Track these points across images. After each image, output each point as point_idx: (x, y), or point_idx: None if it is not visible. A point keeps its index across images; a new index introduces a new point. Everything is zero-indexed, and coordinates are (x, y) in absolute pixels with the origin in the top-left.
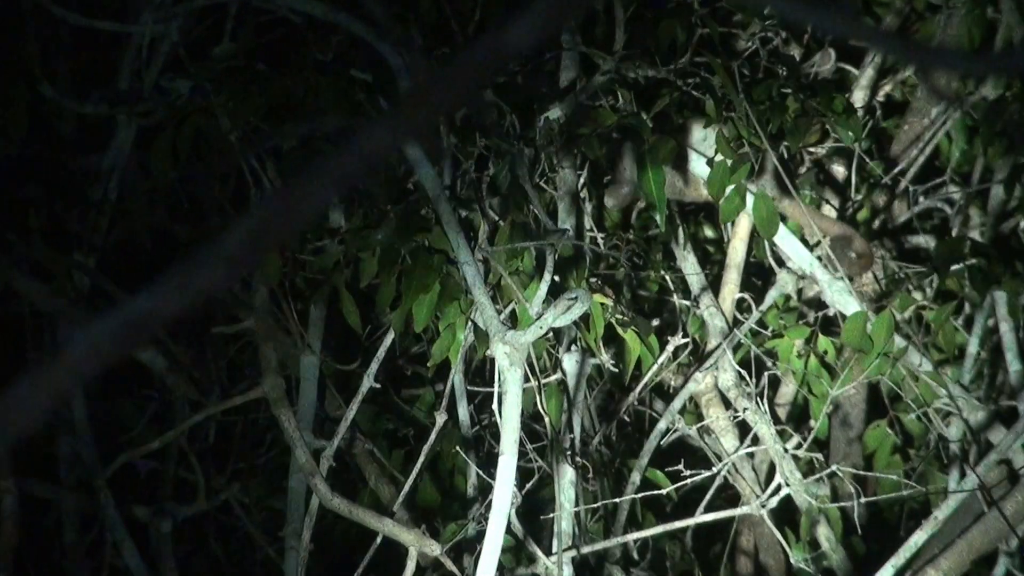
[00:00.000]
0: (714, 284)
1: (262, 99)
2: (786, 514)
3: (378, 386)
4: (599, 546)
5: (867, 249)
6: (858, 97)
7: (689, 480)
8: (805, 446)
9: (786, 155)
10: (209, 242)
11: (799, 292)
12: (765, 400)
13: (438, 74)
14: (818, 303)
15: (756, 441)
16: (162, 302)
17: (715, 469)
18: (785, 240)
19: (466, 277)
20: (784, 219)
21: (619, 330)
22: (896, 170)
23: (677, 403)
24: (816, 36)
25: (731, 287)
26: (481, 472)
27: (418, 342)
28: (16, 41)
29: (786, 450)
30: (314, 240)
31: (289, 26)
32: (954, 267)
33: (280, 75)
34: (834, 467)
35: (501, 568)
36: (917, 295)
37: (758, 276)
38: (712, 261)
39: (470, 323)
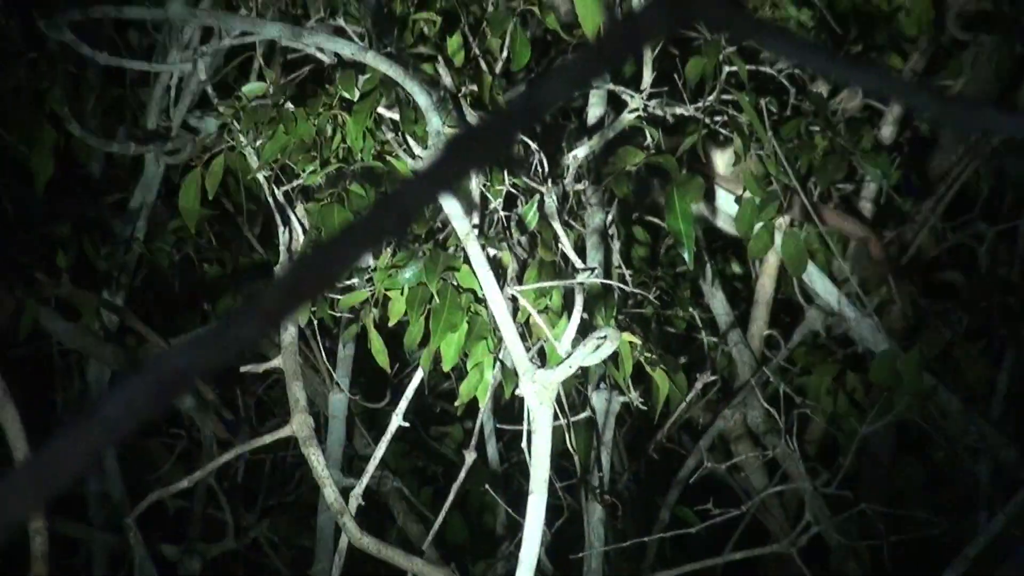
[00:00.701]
0: (742, 321)
1: (289, 139)
2: (816, 552)
3: (407, 424)
4: None
5: (882, 256)
6: (886, 133)
7: (718, 518)
8: (835, 484)
9: (815, 192)
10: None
11: (827, 329)
12: (794, 437)
13: (473, 129)
14: (846, 340)
15: (785, 479)
16: (198, 357)
17: (744, 507)
18: (813, 277)
19: (495, 315)
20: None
21: (648, 369)
22: (925, 206)
23: (706, 440)
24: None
25: (759, 324)
26: (510, 510)
27: (447, 379)
28: (44, 81)
29: (815, 488)
30: (343, 279)
31: (317, 63)
32: (983, 304)
33: (307, 113)
34: (863, 505)
35: None
36: (946, 332)
37: (786, 313)
38: (740, 298)
39: (498, 362)
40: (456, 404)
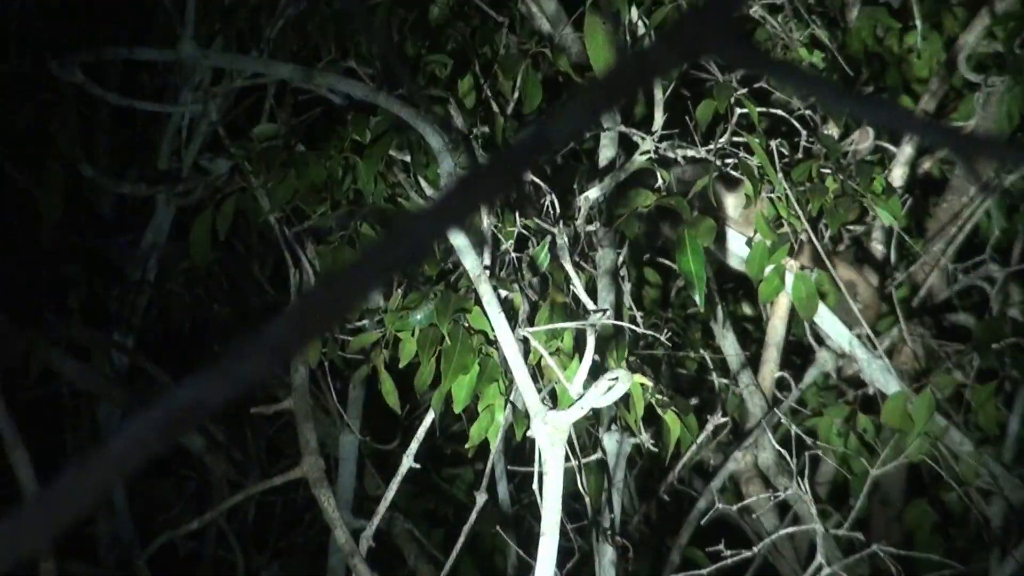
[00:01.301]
0: (753, 362)
1: (300, 182)
2: None
3: (418, 466)
4: None
5: (873, 300)
6: (897, 175)
7: (729, 560)
8: (846, 526)
9: (825, 235)
10: (253, 332)
11: (838, 370)
12: (805, 479)
13: (484, 165)
14: (857, 381)
15: (796, 520)
16: (206, 392)
17: (755, 549)
18: (824, 318)
19: (506, 357)
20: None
21: (659, 411)
22: (935, 248)
23: (717, 482)
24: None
25: (770, 365)
26: (521, 552)
27: (458, 421)
28: (54, 121)
29: (827, 530)
30: (353, 320)
31: (328, 104)
32: (994, 346)
33: (318, 156)
34: (875, 547)
35: None
36: (957, 373)
37: (797, 354)
38: (751, 339)
39: (509, 404)
40: (467, 446)
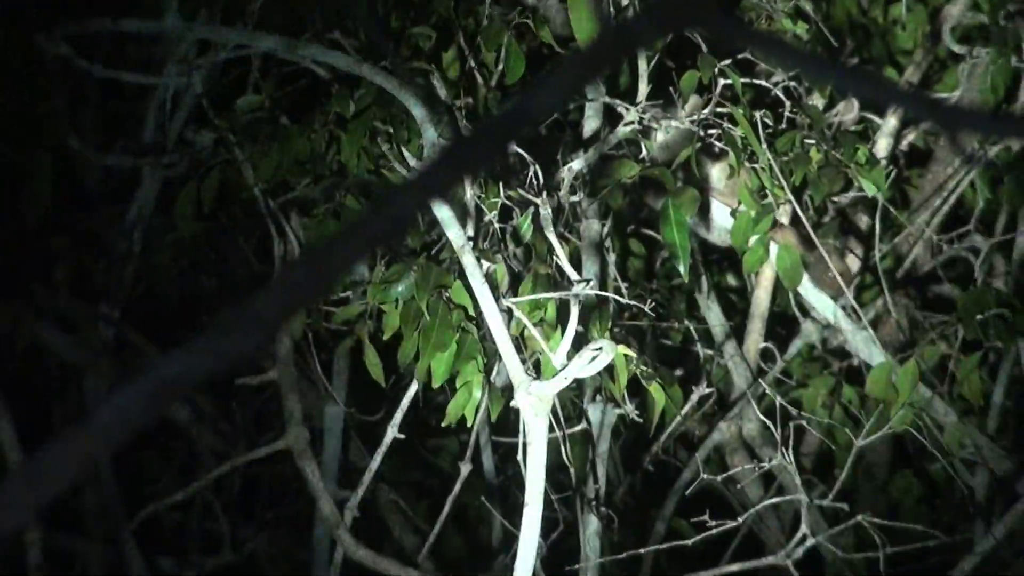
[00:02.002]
0: (738, 333)
1: (284, 156)
2: (811, 565)
3: (402, 437)
4: None
5: (845, 266)
6: (881, 146)
7: (714, 530)
8: (831, 496)
9: (810, 206)
10: (239, 304)
11: (823, 341)
12: (790, 450)
13: (467, 136)
14: (842, 352)
15: (781, 491)
16: (192, 365)
17: (740, 519)
18: (809, 290)
19: (490, 328)
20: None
21: (643, 382)
22: (920, 219)
23: (701, 453)
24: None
25: (755, 336)
26: (506, 522)
27: (442, 392)
28: (41, 97)
29: (811, 500)
30: (338, 291)
31: (313, 77)
32: (979, 317)
33: (301, 129)
34: (860, 518)
35: None
36: (942, 344)
37: (782, 325)
38: (736, 310)
39: (487, 381)
40: (444, 423)
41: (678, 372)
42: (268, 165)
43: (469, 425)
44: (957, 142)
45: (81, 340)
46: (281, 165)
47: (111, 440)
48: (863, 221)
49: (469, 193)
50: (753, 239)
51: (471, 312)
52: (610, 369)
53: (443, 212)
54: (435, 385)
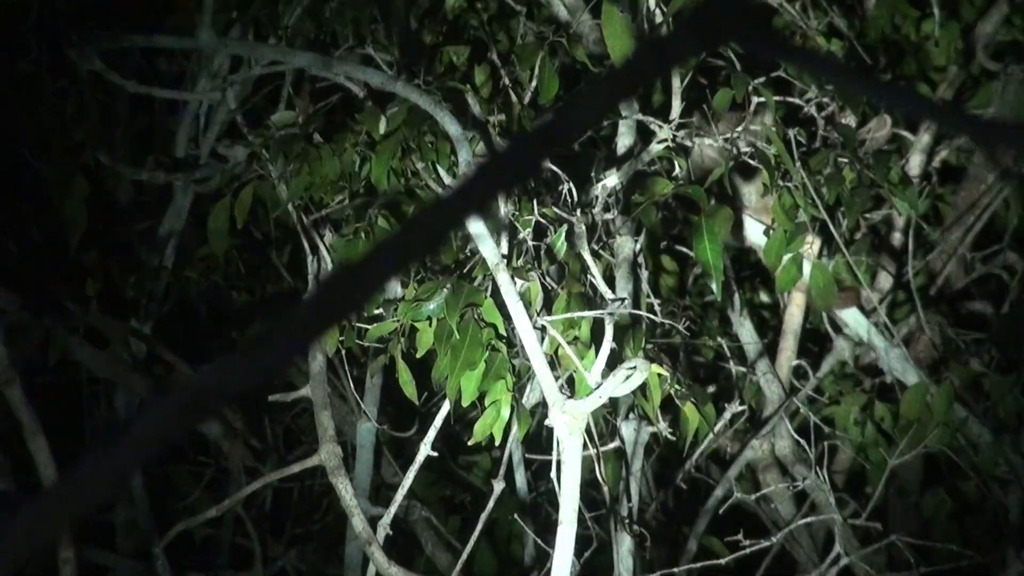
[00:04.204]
0: (771, 350)
1: (315, 176)
2: None
3: (435, 454)
4: None
5: (852, 288)
6: (914, 163)
7: (747, 549)
8: (864, 515)
9: (843, 224)
10: (272, 320)
11: (856, 359)
12: (823, 468)
13: (502, 153)
14: (875, 370)
15: (814, 509)
16: (226, 381)
17: (773, 538)
18: (844, 308)
19: (524, 346)
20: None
21: (677, 402)
22: (953, 236)
23: (734, 470)
24: (873, 103)
25: (788, 353)
26: (539, 540)
27: (475, 409)
28: (75, 114)
29: (844, 519)
30: (371, 309)
31: (346, 91)
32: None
33: (333, 150)
34: (893, 537)
35: None
36: (975, 362)
37: (815, 342)
38: (769, 327)
39: (514, 401)
40: (470, 442)
41: (711, 389)
42: (299, 185)
43: (498, 444)
44: (993, 158)
45: (112, 355)
46: (312, 184)
47: (145, 455)
48: (896, 238)
49: (503, 210)
50: (786, 258)
51: (501, 330)
52: (643, 387)
53: (477, 229)
54: (464, 403)
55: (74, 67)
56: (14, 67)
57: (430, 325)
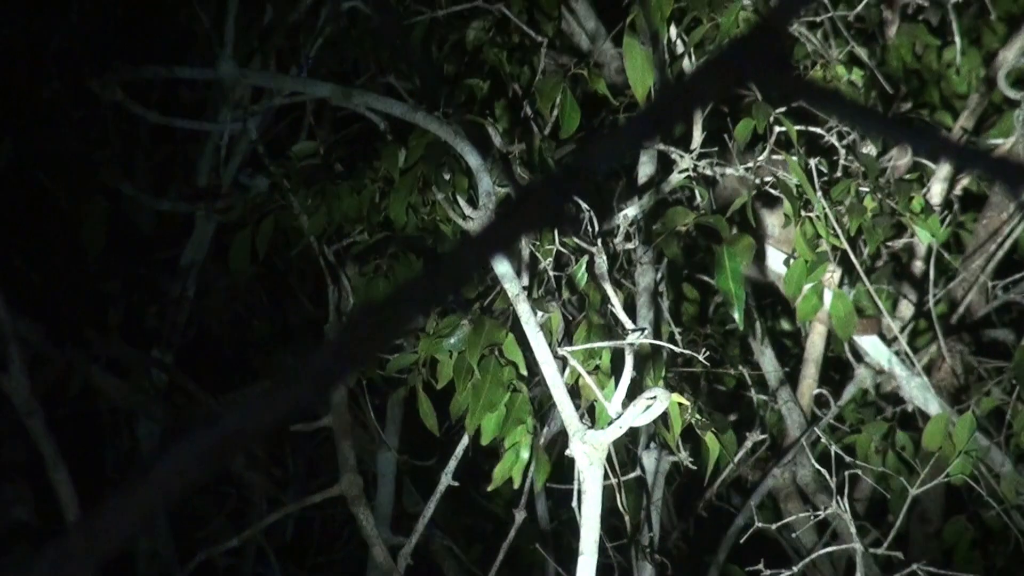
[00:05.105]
0: (792, 378)
1: (335, 213)
2: None
3: (456, 483)
4: None
5: (872, 316)
6: (935, 191)
7: None
8: (886, 544)
9: (864, 253)
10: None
11: (877, 387)
12: (845, 497)
13: (526, 193)
14: (896, 398)
15: (835, 538)
16: (252, 419)
17: (795, 567)
18: (863, 335)
19: (544, 377)
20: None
21: (699, 431)
22: (974, 264)
23: (755, 499)
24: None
25: (809, 382)
26: (560, 569)
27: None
28: (96, 143)
29: (866, 548)
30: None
31: (368, 120)
32: None
33: (351, 187)
34: (915, 566)
35: None
36: (996, 390)
37: (836, 371)
38: (790, 355)
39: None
40: (490, 488)
41: (732, 417)
42: (318, 222)
43: (516, 487)
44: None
45: (134, 385)
46: (332, 222)
47: (170, 495)
48: (917, 266)
49: (524, 242)
50: (807, 287)
51: (522, 369)
52: (664, 416)
53: (502, 267)
54: (483, 443)
55: (96, 97)
56: (36, 96)
57: (450, 357)
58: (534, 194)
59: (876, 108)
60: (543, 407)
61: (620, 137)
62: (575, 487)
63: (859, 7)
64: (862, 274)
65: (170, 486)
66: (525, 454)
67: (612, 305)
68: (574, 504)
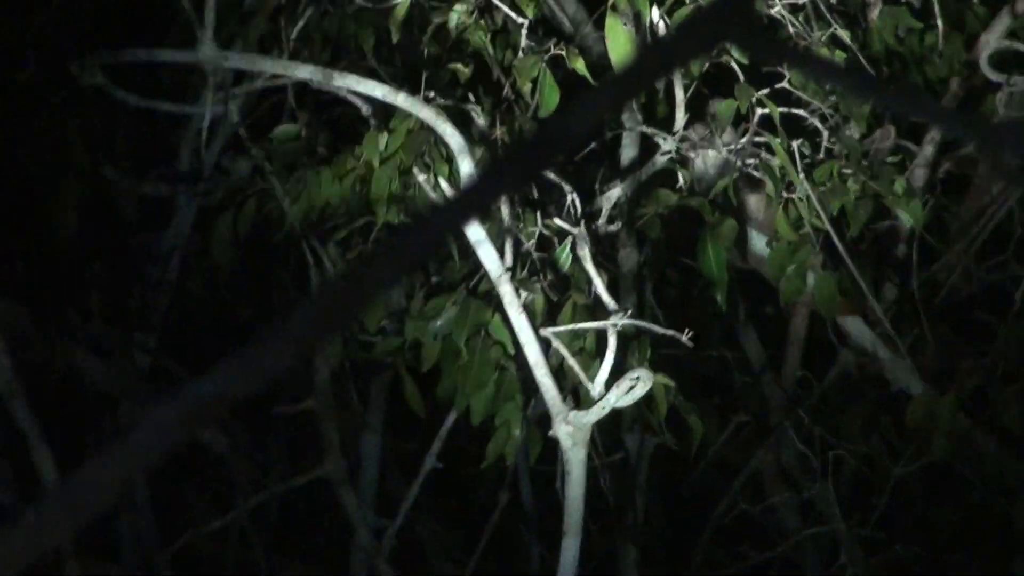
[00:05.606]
0: (775, 361)
1: (315, 200)
2: None
3: (440, 466)
4: None
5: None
6: (918, 174)
7: (752, 559)
8: (869, 525)
9: (847, 235)
10: (273, 323)
11: (861, 369)
12: (828, 478)
13: (504, 157)
14: (880, 380)
15: (819, 520)
16: (227, 385)
17: (778, 549)
18: (847, 318)
19: (528, 358)
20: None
21: (682, 413)
22: (958, 247)
23: (739, 481)
24: (877, 113)
25: (792, 364)
26: (544, 551)
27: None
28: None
29: (850, 529)
30: (376, 323)
31: (350, 103)
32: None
33: (332, 174)
34: (898, 547)
35: None
36: (979, 371)
37: (820, 353)
38: (773, 338)
39: (525, 421)
40: (483, 465)
41: (715, 400)
42: (300, 209)
43: (507, 464)
44: (999, 163)
45: (116, 367)
46: (313, 209)
47: (147, 460)
48: (900, 249)
49: (507, 222)
50: (790, 269)
51: (510, 348)
52: (648, 398)
53: (481, 241)
54: (473, 422)
55: (75, 83)
56: (13, 79)
57: (436, 340)
58: (510, 157)
59: (857, 71)
60: (529, 392)
61: (598, 97)
62: (559, 469)
63: None
64: (846, 256)
65: (147, 451)
66: (516, 431)
67: (596, 286)
68: (558, 486)
